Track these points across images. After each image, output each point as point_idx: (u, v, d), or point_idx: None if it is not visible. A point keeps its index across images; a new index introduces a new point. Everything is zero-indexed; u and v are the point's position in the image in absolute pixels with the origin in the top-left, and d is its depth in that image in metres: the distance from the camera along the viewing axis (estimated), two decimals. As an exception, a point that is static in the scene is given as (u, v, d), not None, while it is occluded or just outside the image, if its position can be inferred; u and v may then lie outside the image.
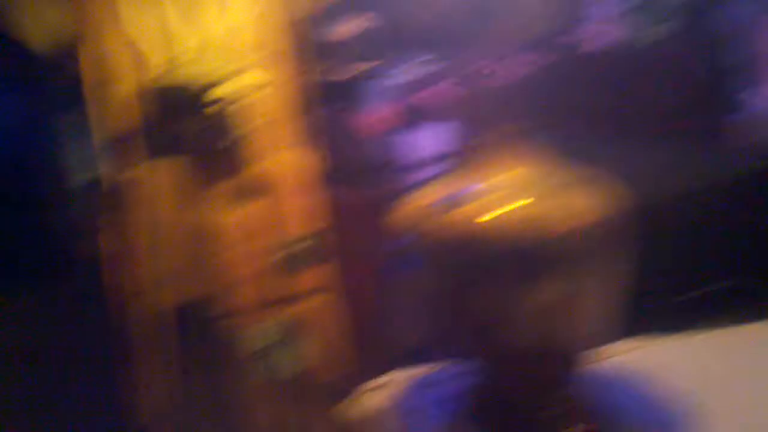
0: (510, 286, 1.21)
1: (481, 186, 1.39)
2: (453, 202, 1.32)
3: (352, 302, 2.09)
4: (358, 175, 2.62)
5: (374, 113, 2.67)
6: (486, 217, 1.28)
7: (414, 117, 2.69)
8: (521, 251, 1.26)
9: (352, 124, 2.67)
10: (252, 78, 1.81)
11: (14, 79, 2.32)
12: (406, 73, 2.65)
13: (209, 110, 1.75)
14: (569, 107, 2.46)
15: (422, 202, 1.46)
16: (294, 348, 1.94)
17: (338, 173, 2.21)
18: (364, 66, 2.61)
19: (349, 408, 1.67)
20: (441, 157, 2.53)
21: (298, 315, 1.94)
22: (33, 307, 2.26)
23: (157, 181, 1.80)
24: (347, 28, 2.50)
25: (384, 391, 1.68)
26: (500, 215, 1.31)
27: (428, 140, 2.67)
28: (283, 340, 1.92)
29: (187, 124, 1.76)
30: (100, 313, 2.16)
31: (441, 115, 2.59)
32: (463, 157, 1.65)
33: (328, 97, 2.21)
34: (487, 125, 1.60)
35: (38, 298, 2.26)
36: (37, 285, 2.26)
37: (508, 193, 1.40)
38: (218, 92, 1.75)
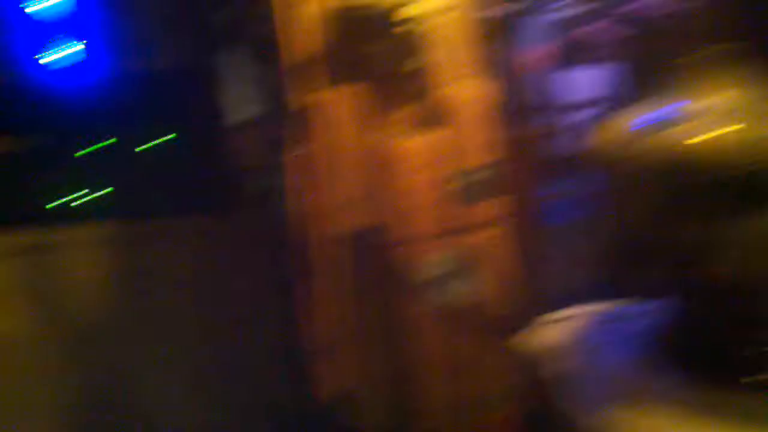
0: (725, 215, 1.10)
1: (689, 108, 1.27)
2: (660, 124, 1.21)
3: (525, 236, 2.04)
4: (525, 111, 2.53)
5: (537, 50, 2.57)
6: (698, 140, 1.17)
7: (576, 55, 2.57)
8: (737, 177, 1.14)
9: (520, 60, 2.58)
10: (437, 0, 1.77)
11: (185, 20, 2.40)
12: (567, 10, 2.53)
13: (394, 33, 1.73)
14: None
15: (623, 127, 1.36)
16: (467, 279, 1.92)
17: (508, 107, 2.14)
18: (528, 2, 2.50)
19: (525, 341, 1.62)
20: (606, 95, 2.41)
21: (473, 246, 1.92)
22: (220, 232, 2.37)
23: (339, 106, 1.81)
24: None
25: (564, 324, 1.61)
26: (712, 138, 1.19)
27: (591, 79, 2.55)
28: (456, 271, 1.91)
29: (371, 47, 1.75)
30: (281, 237, 2.24)
31: (603, 54, 2.46)
32: (638, 90, 1.54)
33: (502, 31, 2.14)
34: (691, 47, 1.46)
35: (226, 224, 2.37)
36: (226, 211, 2.36)
37: (718, 117, 1.27)
38: (404, 14, 1.72)
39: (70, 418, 2.43)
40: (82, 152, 2.38)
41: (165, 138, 2.39)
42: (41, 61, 2.33)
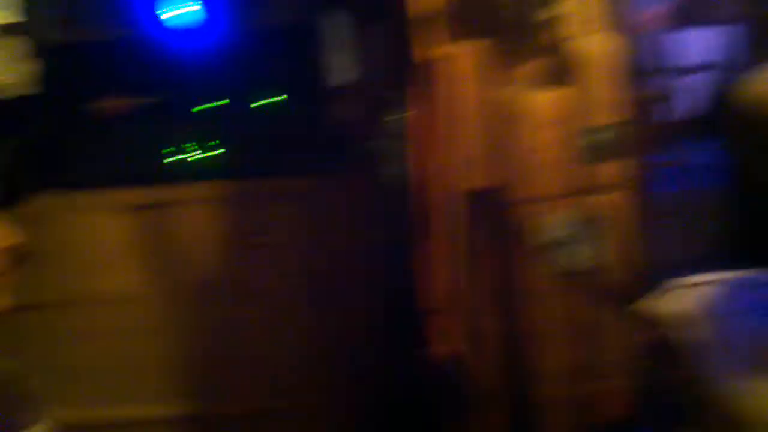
0: None
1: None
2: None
3: (644, 200, 1.97)
4: (646, 72, 2.44)
5: (656, 9, 2.47)
6: None
7: (693, 15, 2.46)
8: None
9: (641, 18, 2.48)
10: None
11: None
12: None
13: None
14: None
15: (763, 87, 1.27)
16: (589, 242, 1.87)
17: (633, 67, 2.07)
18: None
19: (649, 307, 1.55)
20: (725, 58, 2.30)
21: (595, 208, 1.86)
22: (334, 193, 2.37)
23: (462, 60, 1.78)
24: None
25: (696, 291, 1.53)
26: None
27: (708, 40, 2.44)
28: (578, 233, 1.86)
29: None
30: (397, 197, 2.23)
31: (721, 14, 2.35)
32: None
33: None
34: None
35: (340, 184, 2.37)
36: (340, 171, 2.36)
37: None
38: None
39: (180, 376, 2.49)
40: (197, 111, 2.41)
41: (279, 97, 2.40)
42: (158, 19, 2.37)
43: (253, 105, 2.40)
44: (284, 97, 2.40)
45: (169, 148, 2.41)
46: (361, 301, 2.40)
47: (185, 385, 2.50)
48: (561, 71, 1.79)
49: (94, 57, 2.40)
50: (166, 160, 2.41)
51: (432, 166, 1.85)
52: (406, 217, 2.22)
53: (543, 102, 1.80)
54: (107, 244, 2.46)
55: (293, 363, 2.48)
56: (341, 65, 2.40)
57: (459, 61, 1.79)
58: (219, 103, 2.42)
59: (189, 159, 2.41)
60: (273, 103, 2.40)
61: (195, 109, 2.40)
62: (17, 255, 1.21)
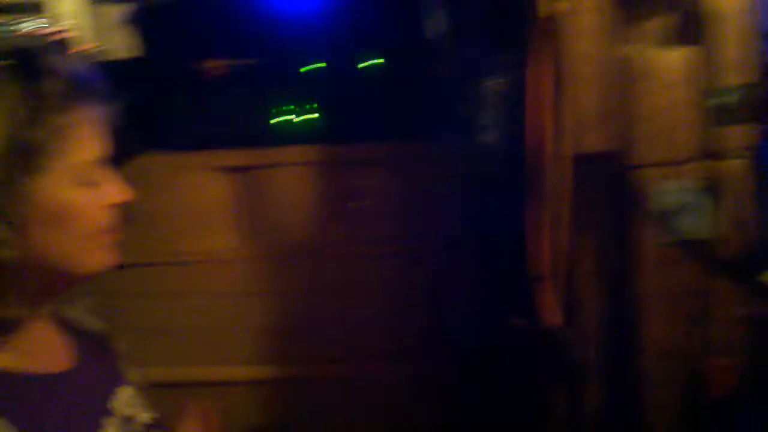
0: None
1: None
2: None
3: (763, 169, 1.87)
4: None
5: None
6: None
7: None
8: None
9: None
10: None
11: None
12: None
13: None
14: None
15: None
16: (708, 210, 1.78)
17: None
18: None
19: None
20: None
21: (717, 175, 1.77)
22: (432, 158, 2.33)
23: (584, 16, 1.70)
24: None
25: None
26: None
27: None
28: (697, 201, 1.77)
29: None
30: (501, 159, 2.18)
31: None
32: None
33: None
34: None
35: (438, 149, 2.33)
36: (437, 136, 2.31)
37: None
38: None
39: (270, 338, 2.51)
40: (296, 73, 2.39)
41: (378, 59, 2.36)
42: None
43: (352, 67, 2.37)
44: (383, 59, 2.36)
45: (268, 110, 2.40)
46: (456, 268, 2.36)
47: (276, 347, 2.52)
48: (689, 28, 1.70)
49: (196, 18, 2.41)
50: (266, 122, 2.41)
51: (546, 128, 1.78)
52: (506, 182, 2.16)
53: (668, 61, 1.71)
54: (204, 205, 2.48)
55: (386, 329, 2.47)
56: (443, 26, 2.34)
57: (581, 16, 1.71)
58: (317, 65, 2.39)
59: (287, 122, 2.40)
60: (372, 65, 2.36)
61: (294, 72, 2.38)
62: (127, 213, 1.21)
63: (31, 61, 1.05)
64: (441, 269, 2.38)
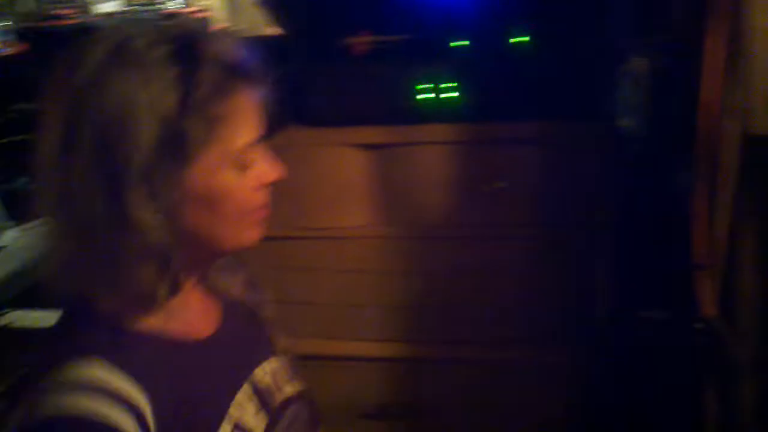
0: None
1: None
2: None
3: None
4: None
5: None
6: None
7: None
8: None
9: None
10: None
11: None
12: None
13: None
14: None
15: None
16: None
17: None
18: None
19: None
20: None
21: None
22: (580, 138, 2.23)
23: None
24: None
25: None
26: None
27: None
28: None
29: None
30: (645, 143, 2.06)
31: None
32: None
33: None
34: None
35: (587, 130, 2.23)
36: (588, 117, 2.21)
37: None
38: None
39: (410, 316, 2.49)
40: (440, 51, 2.35)
41: (524, 38, 2.28)
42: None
43: (499, 44, 2.29)
44: (531, 37, 2.27)
45: (411, 87, 2.37)
46: (599, 254, 2.26)
47: (410, 327, 2.50)
48: None
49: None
50: (409, 100, 2.38)
51: (717, 108, 1.65)
52: (658, 165, 2.04)
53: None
54: (343, 181, 2.49)
55: (520, 314, 2.40)
56: (594, 4, 2.23)
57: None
58: (462, 42, 2.34)
59: (431, 99, 2.36)
60: (520, 42, 2.28)
61: (440, 48, 2.33)
62: (276, 188, 1.21)
63: (191, 48, 1.03)
64: (585, 255, 2.28)
